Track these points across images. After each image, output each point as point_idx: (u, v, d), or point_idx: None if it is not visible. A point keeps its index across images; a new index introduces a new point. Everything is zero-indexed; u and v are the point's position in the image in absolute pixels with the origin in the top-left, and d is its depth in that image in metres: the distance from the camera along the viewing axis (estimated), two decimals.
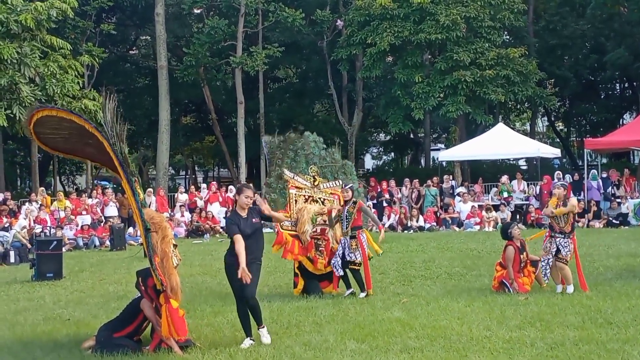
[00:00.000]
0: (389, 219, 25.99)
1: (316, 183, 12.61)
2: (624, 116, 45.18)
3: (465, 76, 29.70)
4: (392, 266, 15.14)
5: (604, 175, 26.91)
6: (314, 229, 12.06)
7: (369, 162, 55.88)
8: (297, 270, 12.13)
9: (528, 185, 28.22)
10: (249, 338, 8.52)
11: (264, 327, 8.65)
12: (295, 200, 12.28)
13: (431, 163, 41.50)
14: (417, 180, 27.97)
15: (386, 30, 30.71)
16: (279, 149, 12.65)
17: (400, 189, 27.80)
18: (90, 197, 26.85)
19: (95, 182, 36.75)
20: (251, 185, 9.13)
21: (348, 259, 11.63)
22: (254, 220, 8.62)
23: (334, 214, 11.95)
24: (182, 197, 28.24)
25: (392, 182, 28.22)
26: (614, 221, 23.72)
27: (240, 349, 8.25)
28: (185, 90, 38.45)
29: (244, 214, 8.61)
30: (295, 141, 12.85)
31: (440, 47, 31.72)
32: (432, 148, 45.55)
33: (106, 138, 7.96)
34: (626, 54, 34.60)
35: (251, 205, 8.70)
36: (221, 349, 8.30)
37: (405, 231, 24.82)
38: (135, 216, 8.19)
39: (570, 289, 11.12)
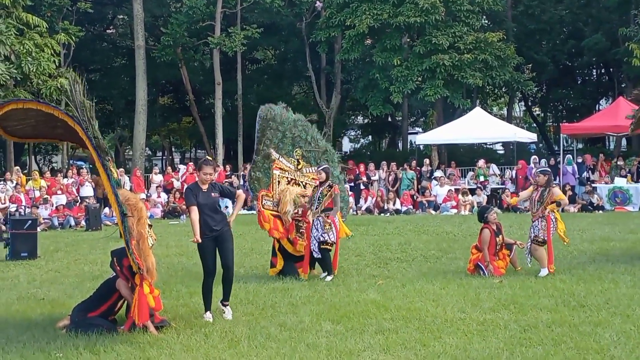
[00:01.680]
0: (365, 201, 26.07)
1: (299, 167, 12.62)
2: (600, 102, 45.48)
3: (444, 60, 29.70)
4: (369, 248, 15.20)
5: (579, 160, 27.13)
6: (296, 210, 12.07)
7: (346, 145, 55.88)
8: (277, 251, 12.13)
9: (504, 169, 28.39)
10: (210, 312, 8.79)
11: (228, 304, 8.91)
12: (279, 181, 12.28)
13: (409, 146, 41.60)
14: (395, 163, 28.03)
15: (365, 13, 30.64)
16: (269, 129, 12.55)
17: (377, 172, 27.85)
18: (65, 176, 26.65)
19: (71, 161, 36.48)
20: (212, 161, 9.15)
21: (322, 239, 11.65)
22: (213, 194, 8.80)
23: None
24: (157, 178, 28.15)
25: (371, 165, 28.26)
26: (588, 206, 23.93)
27: (215, 329, 8.27)
28: (162, 71, 38.15)
29: (204, 187, 8.79)
30: (285, 121, 12.76)
31: (419, 30, 31.69)
32: (409, 132, 45.60)
33: (78, 123, 7.89)
34: (603, 40, 34.79)
35: (212, 181, 8.90)
36: (196, 329, 8.30)
37: (382, 214, 24.91)
38: (111, 201, 8.14)
39: (543, 272, 11.22)
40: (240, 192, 9.27)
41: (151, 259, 8.15)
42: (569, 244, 13.07)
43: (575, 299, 9.33)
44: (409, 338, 7.64)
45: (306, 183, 12.55)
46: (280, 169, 12.37)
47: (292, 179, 12.44)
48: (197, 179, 8.98)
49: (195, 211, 8.62)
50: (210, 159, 9.24)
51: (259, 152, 12.48)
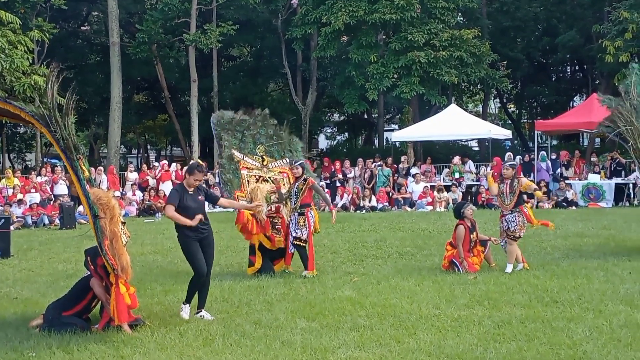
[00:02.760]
0: (341, 198, 26.09)
1: (265, 163, 12.66)
2: (574, 98, 45.86)
3: (420, 57, 29.75)
4: (344, 245, 15.22)
5: (554, 156, 27.32)
6: (269, 208, 12.09)
7: (322, 142, 55.92)
8: (257, 250, 12.11)
9: (479, 166, 28.52)
10: (188, 305, 8.80)
11: (202, 310, 8.86)
12: (248, 181, 12.29)
13: (384, 143, 41.68)
14: (371, 160, 28.06)
15: (341, 10, 30.60)
16: (225, 132, 12.57)
17: (353, 169, 27.88)
18: (39, 175, 26.43)
19: (45, 159, 36.17)
20: (204, 168, 9.08)
21: (294, 234, 11.70)
22: (199, 197, 8.81)
23: (283, 191, 12.04)
24: (132, 176, 28.00)
25: (346, 162, 28.28)
26: (562, 202, 24.10)
27: (190, 327, 8.25)
28: (137, 68, 37.91)
29: (190, 190, 8.79)
30: (241, 122, 12.78)
31: (394, 27, 31.72)
32: (385, 129, 45.73)
33: (45, 125, 7.82)
34: (577, 37, 35.07)
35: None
36: (171, 328, 8.28)
37: (358, 211, 24.93)
38: (83, 203, 8.09)
39: (509, 267, 11.31)
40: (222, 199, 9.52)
41: (125, 257, 8.11)
42: (554, 229, 13.15)
43: (549, 295, 9.40)
44: (383, 335, 7.66)
45: (274, 178, 12.59)
46: (247, 168, 12.41)
47: (260, 177, 12.48)
48: (184, 181, 8.94)
49: (172, 209, 8.61)
50: (203, 165, 9.19)
51: (222, 155, 12.50)
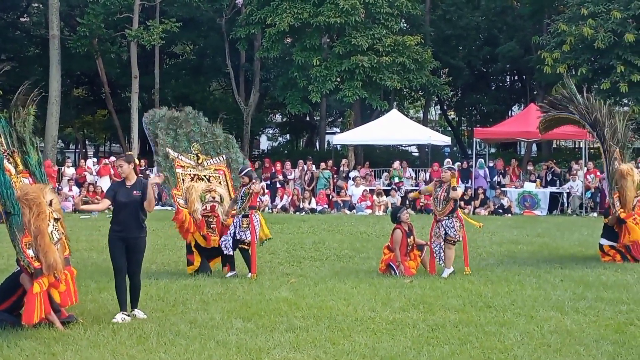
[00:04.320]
0: (281, 200, 26.09)
1: (200, 161, 12.59)
2: (513, 108, 46.65)
3: (363, 61, 29.95)
4: (282, 247, 15.21)
5: (491, 164, 27.76)
6: (204, 207, 12.04)
7: (264, 143, 55.83)
8: (194, 249, 12.04)
9: (418, 171, 28.80)
10: (123, 312, 8.54)
11: (136, 308, 8.73)
12: (183, 180, 12.20)
13: (326, 146, 41.80)
14: (311, 162, 28.11)
15: (286, 11, 30.61)
16: (159, 130, 12.46)
17: (293, 171, 27.88)
18: None
19: None
20: (127, 155, 8.92)
21: (238, 237, 11.65)
22: (134, 192, 8.58)
23: (222, 191, 12.10)
24: (69, 171, 27.54)
25: (287, 164, 28.27)
26: (498, 210, 24.48)
27: (122, 324, 8.16)
28: (77, 62, 37.24)
29: (128, 183, 8.65)
30: (174, 120, 12.69)
31: (339, 31, 31.87)
32: (327, 131, 45.88)
33: None
34: (517, 47, 35.79)
35: (133, 175, 8.69)
36: (104, 325, 8.17)
37: (297, 213, 24.96)
38: None
39: (446, 272, 11.48)
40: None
41: (52, 254, 7.90)
42: (481, 228, 13.34)
43: (482, 300, 9.55)
44: (319, 336, 7.68)
45: (210, 176, 12.54)
46: (181, 166, 12.32)
47: (195, 175, 12.41)
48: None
49: (104, 203, 8.77)
50: (129, 153, 9.05)
51: (157, 153, 12.40)
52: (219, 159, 12.88)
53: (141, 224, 8.66)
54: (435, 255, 11.82)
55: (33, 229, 7.84)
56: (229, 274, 11.68)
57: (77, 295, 8.67)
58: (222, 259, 12.21)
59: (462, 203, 12.17)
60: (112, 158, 28.24)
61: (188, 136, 12.70)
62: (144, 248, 8.80)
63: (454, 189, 11.59)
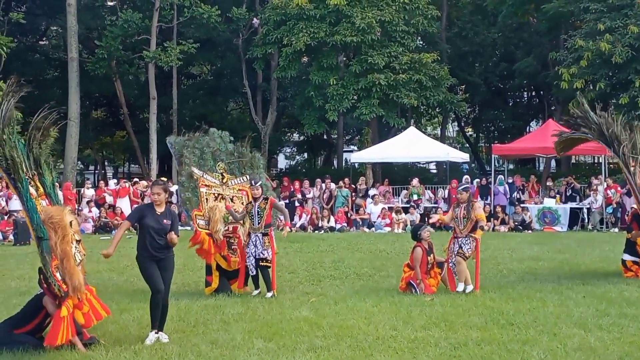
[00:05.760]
0: (300, 218, 26.07)
1: (225, 180, 12.58)
2: (531, 123, 46.56)
3: (379, 79, 30.01)
4: (302, 266, 15.19)
5: (510, 180, 27.64)
6: (226, 228, 12.03)
7: (282, 162, 55.93)
8: (215, 270, 12.02)
9: (437, 188, 28.72)
10: (154, 332, 8.49)
11: (161, 332, 8.64)
12: (207, 199, 12.19)
13: (344, 164, 41.82)
14: (329, 180, 28.10)
15: (302, 31, 30.76)
16: (185, 148, 12.51)
17: (312, 190, 27.88)
18: None
19: None
20: (162, 182, 8.96)
21: (261, 256, 11.62)
22: (164, 220, 8.56)
23: (241, 210, 12.02)
24: (89, 192, 27.67)
25: (305, 182, 28.28)
26: (518, 226, 24.35)
27: (145, 346, 8.15)
28: (96, 84, 37.61)
29: (159, 210, 8.61)
30: (200, 139, 12.73)
31: (355, 49, 31.98)
32: (344, 149, 45.91)
33: None
34: (534, 63, 35.70)
35: (164, 203, 8.67)
36: (126, 347, 8.18)
37: (316, 231, 24.94)
38: (27, 223, 7.94)
39: (461, 286, 11.43)
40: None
41: (77, 276, 7.92)
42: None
43: (504, 318, 9.47)
44: (340, 356, 7.65)
45: (234, 196, 12.53)
46: (206, 185, 12.31)
47: (219, 194, 12.40)
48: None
49: (124, 226, 8.64)
50: (164, 179, 9.05)
51: (181, 173, 12.43)
52: (242, 179, 12.89)
53: (168, 244, 8.65)
54: (452, 272, 11.78)
55: (59, 252, 7.85)
56: (255, 292, 11.66)
57: (107, 308, 8.69)
58: (240, 278, 12.15)
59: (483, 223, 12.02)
60: (134, 180, 28.40)
61: (214, 155, 12.73)
62: (173, 266, 8.77)
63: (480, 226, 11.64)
